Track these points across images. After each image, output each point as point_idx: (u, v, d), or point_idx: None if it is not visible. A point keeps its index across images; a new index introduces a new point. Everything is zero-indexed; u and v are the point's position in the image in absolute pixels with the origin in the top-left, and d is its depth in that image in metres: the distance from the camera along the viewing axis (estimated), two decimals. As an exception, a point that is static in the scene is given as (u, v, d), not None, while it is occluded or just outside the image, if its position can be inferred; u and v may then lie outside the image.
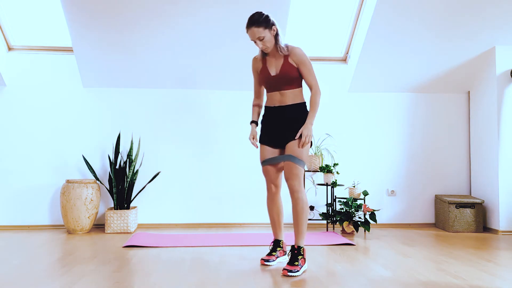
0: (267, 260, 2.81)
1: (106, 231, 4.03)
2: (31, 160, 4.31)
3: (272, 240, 2.98)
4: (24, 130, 4.33)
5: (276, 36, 2.72)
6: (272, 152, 2.81)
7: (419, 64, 4.32)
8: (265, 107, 2.87)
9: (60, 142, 4.35)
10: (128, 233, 4.02)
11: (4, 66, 4.27)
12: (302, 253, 2.65)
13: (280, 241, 2.92)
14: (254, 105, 2.98)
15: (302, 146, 2.67)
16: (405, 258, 3.00)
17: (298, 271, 2.56)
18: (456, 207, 4.20)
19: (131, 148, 4.25)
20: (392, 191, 4.53)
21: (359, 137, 4.55)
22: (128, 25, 3.90)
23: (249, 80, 4.32)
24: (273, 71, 2.77)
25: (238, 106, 4.50)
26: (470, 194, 4.55)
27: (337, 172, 4.25)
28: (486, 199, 4.28)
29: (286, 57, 2.75)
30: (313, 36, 4.56)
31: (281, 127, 2.76)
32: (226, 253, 3.13)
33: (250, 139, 2.89)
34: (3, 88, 4.34)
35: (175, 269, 2.67)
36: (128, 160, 4.23)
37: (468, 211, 4.19)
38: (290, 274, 2.53)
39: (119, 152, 4.21)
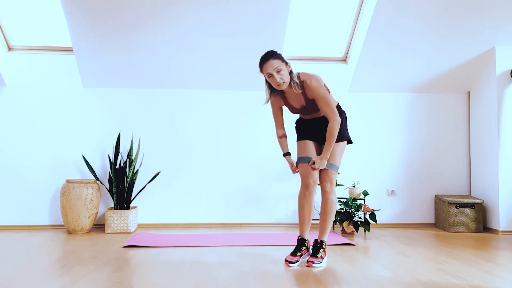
0: (292, 262, 2.78)
1: (106, 231, 4.03)
2: (31, 160, 4.31)
3: (297, 238, 2.92)
4: (24, 130, 4.33)
5: (290, 73, 2.72)
6: (311, 147, 2.88)
7: (419, 64, 4.32)
8: (300, 117, 3.00)
9: (60, 142, 4.35)
10: (128, 233, 4.02)
11: (4, 66, 4.27)
12: (324, 246, 2.85)
13: (306, 240, 2.89)
14: (280, 137, 2.97)
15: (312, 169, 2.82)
16: (405, 258, 3.00)
17: (321, 262, 2.77)
18: (456, 207, 4.20)
19: (131, 148, 4.25)
20: (392, 191, 4.53)
21: (359, 137, 4.55)
22: (128, 25, 3.90)
23: (249, 80, 4.32)
24: (298, 105, 2.84)
25: (238, 106, 4.50)
26: (470, 194, 4.55)
27: (337, 172, 4.25)
28: (486, 199, 4.28)
29: (303, 91, 2.77)
30: (313, 36, 4.56)
31: (319, 125, 2.87)
32: (226, 253, 3.13)
33: (292, 170, 2.93)
34: (3, 88, 4.34)
35: (175, 269, 2.67)
36: (128, 160, 4.23)
37: (468, 211, 4.19)
38: (314, 265, 2.73)
39: (119, 152, 4.21)
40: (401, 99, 4.60)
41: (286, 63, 2.72)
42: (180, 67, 4.28)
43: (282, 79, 2.68)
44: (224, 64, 4.27)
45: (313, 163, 2.80)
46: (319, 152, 2.90)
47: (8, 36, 4.27)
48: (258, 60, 2.73)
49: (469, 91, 4.62)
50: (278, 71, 2.66)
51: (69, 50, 4.37)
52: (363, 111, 4.57)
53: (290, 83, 2.72)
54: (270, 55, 2.69)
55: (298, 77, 2.75)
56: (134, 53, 4.13)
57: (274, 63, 2.66)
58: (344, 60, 4.58)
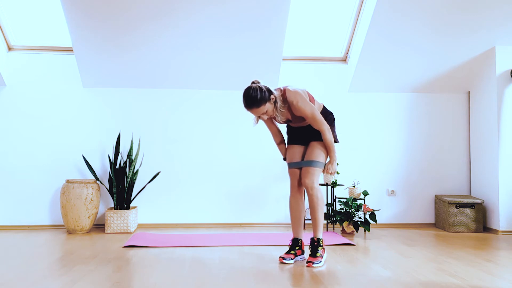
0: (285, 258, 2.84)
1: (106, 231, 4.03)
2: (31, 160, 4.31)
3: (291, 238, 3.00)
4: (24, 130, 4.33)
5: (275, 102, 2.72)
6: (299, 151, 2.95)
7: (419, 64, 4.32)
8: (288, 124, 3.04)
9: (60, 142, 4.35)
10: (128, 233, 4.02)
11: (4, 66, 4.27)
12: (321, 244, 2.85)
13: (299, 240, 2.95)
14: (278, 143, 3.04)
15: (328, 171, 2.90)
16: (405, 258, 3.00)
17: (320, 261, 2.77)
18: (456, 207, 4.20)
19: (131, 148, 4.25)
20: (392, 191, 4.53)
21: (359, 137, 4.55)
22: (128, 25, 3.90)
23: (249, 79, 4.32)
24: (284, 118, 2.87)
25: (238, 106, 4.49)
26: (470, 194, 4.55)
27: (337, 172, 4.25)
28: (486, 199, 4.28)
29: (290, 108, 2.79)
30: (313, 36, 4.57)
31: (305, 132, 2.94)
32: (226, 253, 3.13)
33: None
34: (3, 88, 4.34)
35: (175, 269, 2.67)
36: (128, 160, 4.23)
37: (468, 211, 4.19)
38: (314, 265, 2.73)
39: (119, 152, 4.21)
40: (401, 99, 4.60)
41: (270, 99, 2.68)
42: (180, 67, 4.28)
43: (268, 115, 2.75)
44: (224, 64, 4.27)
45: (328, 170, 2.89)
46: (305, 151, 2.98)
47: (8, 36, 4.27)
48: (242, 96, 2.71)
49: (469, 91, 4.62)
50: (263, 114, 2.72)
51: (69, 50, 4.37)
52: (363, 111, 4.57)
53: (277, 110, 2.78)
54: (252, 104, 2.65)
55: (284, 94, 2.76)
56: (134, 53, 4.13)
57: (258, 111, 2.69)
58: (344, 60, 4.58)
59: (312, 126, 2.81)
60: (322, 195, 2.88)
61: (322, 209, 2.87)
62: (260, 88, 2.66)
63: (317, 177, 2.87)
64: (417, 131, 4.58)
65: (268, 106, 2.69)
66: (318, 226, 2.86)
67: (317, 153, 2.87)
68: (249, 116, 4.47)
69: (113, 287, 2.30)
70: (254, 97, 2.64)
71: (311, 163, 2.86)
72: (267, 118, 2.93)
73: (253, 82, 2.72)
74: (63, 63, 4.38)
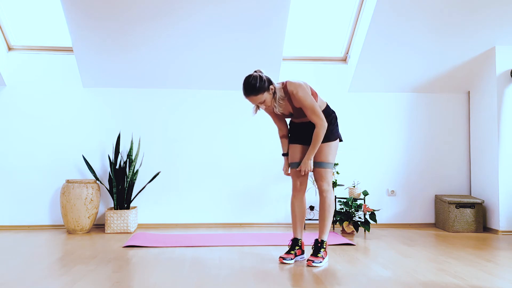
0: (285, 258, 2.85)
1: (106, 231, 4.03)
2: (31, 160, 4.31)
3: (291, 238, 3.00)
4: (24, 130, 4.33)
5: (274, 94, 2.72)
6: (302, 151, 2.93)
7: (419, 64, 4.32)
8: (291, 120, 3.01)
9: (60, 142, 4.35)
10: (128, 233, 4.02)
11: (4, 66, 4.27)
12: (324, 246, 2.86)
13: (299, 240, 2.95)
14: (281, 137, 3.03)
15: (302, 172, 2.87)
16: (405, 258, 3.00)
17: (321, 262, 2.78)
18: (456, 207, 4.20)
19: (131, 148, 4.25)
20: (392, 191, 4.53)
21: (359, 137, 4.55)
22: (128, 25, 3.90)
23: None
24: (286, 111, 2.86)
25: (238, 106, 4.50)
26: (470, 194, 4.55)
27: (337, 172, 4.26)
28: (486, 199, 4.28)
29: (290, 101, 2.78)
30: (313, 36, 4.57)
31: (308, 128, 2.90)
32: (226, 253, 3.13)
33: (284, 171, 3.02)
34: (3, 88, 4.34)
35: (175, 269, 2.67)
36: (128, 160, 4.23)
37: (468, 211, 4.19)
38: (314, 264, 2.75)
39: (119, 152, 4.21)
40: (401, 99, 4.60)
41: (269, 89, 2.68)
42: (180, 67, 4.28)
43: (267, 106, 2.74)
44: (224, 64, 4.27)
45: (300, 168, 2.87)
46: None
47: (8, 36, 4.27)
48: (242, 83, 2.70)
49: (469, 91, 4.62)
50: (261, 103, 2.71)
51: (69, 50, 4.37)
52: (363, 111, 4.57)
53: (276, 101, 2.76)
54: (250, 91, 2.65)
55: (285, 87, 2.75)
56: (134, 53, 4.13)
57: (256, 99, 2.68)
58: (344, 60, 4.58)
59: (308, 117, 2.77)
60: (333, 198, 2.92)
61: (332, 212, 2.90)
62: (261, 77, 2.66)
63: (331, 178, 2.89)
64: (417, 131, 4.58)
65: (267, 96, 2.68)
66: (325, 228, 2.89)
67: (327, 153, 2.86)
68: (249, 116, 4.47)
69: (113, 287, 2.30)
70: (253, 85, 2.64)
71: (321, 165, 2.86)
72: (273, 112, 2.91)
73: (255, 71, 2.72)
74: (63, 63, 4.38)
